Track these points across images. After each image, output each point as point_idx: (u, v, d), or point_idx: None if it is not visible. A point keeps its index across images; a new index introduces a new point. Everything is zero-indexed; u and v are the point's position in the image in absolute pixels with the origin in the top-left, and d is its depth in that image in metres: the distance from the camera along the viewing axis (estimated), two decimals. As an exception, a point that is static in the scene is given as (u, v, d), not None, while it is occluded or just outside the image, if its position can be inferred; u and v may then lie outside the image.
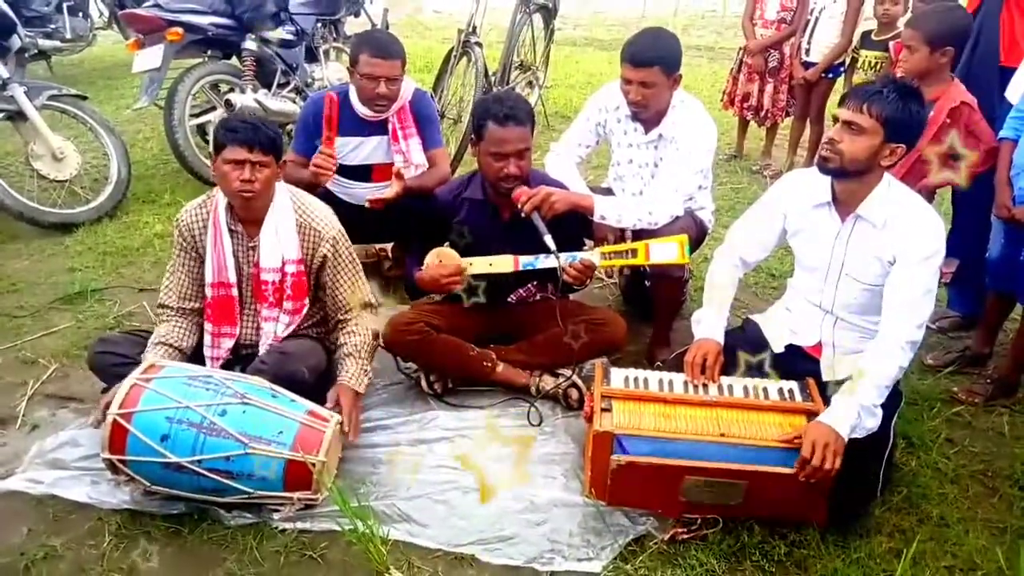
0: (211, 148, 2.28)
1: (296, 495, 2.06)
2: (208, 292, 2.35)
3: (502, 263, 2.47)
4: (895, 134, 1.97)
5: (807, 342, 2.31)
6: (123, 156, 4.05)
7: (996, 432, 2.54)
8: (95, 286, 3.31)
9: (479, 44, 4.72)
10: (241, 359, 2.41)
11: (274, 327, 2.38)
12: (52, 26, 6.19)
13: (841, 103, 2.04)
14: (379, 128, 2.99)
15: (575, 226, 2.62)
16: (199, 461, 1.99)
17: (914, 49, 2.63)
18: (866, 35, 4.37)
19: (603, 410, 2.10)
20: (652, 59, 2.54)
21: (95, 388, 2.40)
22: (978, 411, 2.63)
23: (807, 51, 4.57)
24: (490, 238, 2.54)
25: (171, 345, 2.29)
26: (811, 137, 4.80)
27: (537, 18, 5.58)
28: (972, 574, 1.98)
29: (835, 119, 2.04)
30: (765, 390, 2.19)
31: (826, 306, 2.24)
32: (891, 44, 4.10)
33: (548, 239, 2.39)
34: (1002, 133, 2.56)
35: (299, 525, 2.06)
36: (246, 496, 2.04)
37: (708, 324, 2.29)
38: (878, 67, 4.19)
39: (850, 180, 2.06)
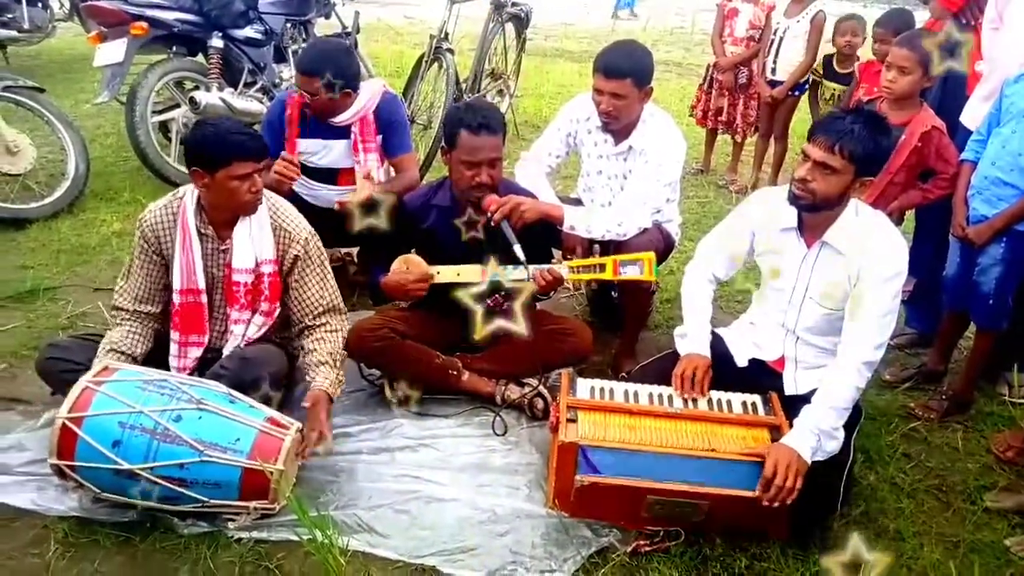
0: (186, 158, 2.19)
1: (252, 504, 2.01)
2: (176, 299, 2.28)
3: (469, 273, 2.45)
4: (866, 169, 2.00)
5: (770, 357, 2.34)
6: (81, 151, 3.93)
7: (951, 447, 2.60)
8: (48, 284, 3.20)
9: (451, 51, 4.71)
10: (203, 363, 2.34)
11: (244, 329, 2.32)
12: (9, 15, 5.99)
13: (810, 138, 2.04)
14: (344, 132, 2.95)
15: (544, 236, 2.61)
16: (152, 468, 1.92)
17: (908, 71, 2.65)
18: (828, 63, 4.47)
19: (568, 420, 2.09)
20: (624, 71, 2.55)
21: (44, 390, 2.31)
22: (934, 427, 2.68)
23: (772, 70, 4.66)
24: (458, 246, 2.52)
25: (122, 352, 2.22)
26: (775, 154, 4.89)
27: (509, 27, 5.59)
28: (926, 588, 2.01)
29: (804, 155, 2.05)
30: (729, 403, 2.20)
31: (788, 326, 2.27)
32: (856, 65, 4.20)
33: (517, 248, 2.38)
34: (963, 155, 2.64)
35: (256, 535, 2.01)
36: (200, 505, 1.98)
37: (693, 339, 2.29)
38: (838, 99, 4.32)
39: (820, 212, 2.09)
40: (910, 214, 3.08)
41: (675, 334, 2.37)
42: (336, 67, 2.79)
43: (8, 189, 3.83)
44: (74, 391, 1.96)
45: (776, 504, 1.93)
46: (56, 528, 2.00)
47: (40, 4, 6.37)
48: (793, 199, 2.08)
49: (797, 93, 4.69)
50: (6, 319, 2.96)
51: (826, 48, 4.62)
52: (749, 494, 1.96)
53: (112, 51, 4.01)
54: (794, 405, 2.13)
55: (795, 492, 1.92)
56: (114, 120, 5.22)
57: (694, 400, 2.19)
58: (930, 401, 2.77)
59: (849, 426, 2.08)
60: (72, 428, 1.92)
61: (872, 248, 2.05)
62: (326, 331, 2.37)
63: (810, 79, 4.64)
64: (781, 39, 4.59)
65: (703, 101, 5.01)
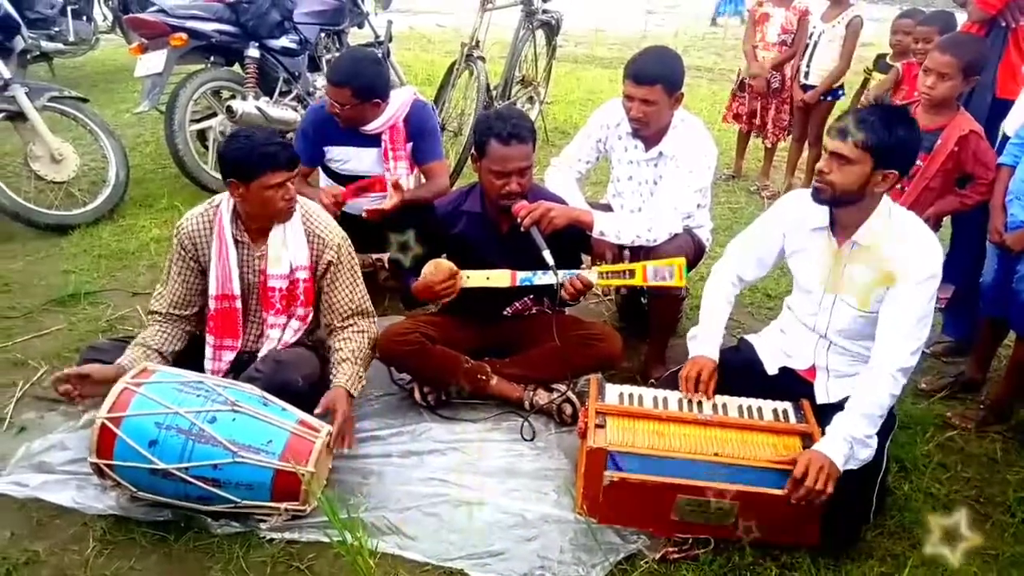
0: (222, 169, 2.25)
1: (284, 505, 2.04)
2: (211, 304, 2.34)
3: (499, 277, 2.46)
4: (884, 161, 1.96)
5: (800, 366, 2.30)
6: (122, 159, 4.05)
7: (988, 458, 2.54)
8: (89, 289, 3.29)
9: (482, 58, 4.74)
10: (238, 365, 2.39)
11: (280, 334, 2.37)
12: (55, 28, 6.20)
13: (829, 132, 2.03)
14: (374, 140, 2.99)
15: (573, 241, 2.62)
16: (186, 468, 1.97)
17: (949, 77, 2.61)
18: (880, 58, 4.40)
19: (597, 426, 2.09)
20: (655, 77, 2.55)
21: (85, 391, 2.38)
22: (971, 436, 2.62)
23: (806, 74, 4.61)
24: (488, 251, 2.53)
25: (150, 347, 2.27)
26: (809, 159, 4.83)
27: (540, 34, 5.61)
28: (964, 601, 1.97)
29: (825, 149, 2.04)
30: (759, 410, 2.18)
31: (820, 330, 2.24)
32: (899, 65, 4.11)
33: (547, 254, 2.39)
34: (1001, 159, 2.58)
35: (287, 535, 2.04)
36: (233, 505, 2.02)
37: (703, 341, 2.28)
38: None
39: (846, 207, 2.07)
40: (947, 220, 3.02)
41: (687, 335, 2.35)
42: (365, 78, 2.83)
43: (53, 196, 3.95)
44: (113, 392, 2.01)
45: (804, 503, 1.90)
46: (95, 526, 2.05)
47: (85, 17, 6.59)
48: (814, 193, 2.06)
49: (831, 98, 4.63)
50: (49, 322, 3.05)
51: (877, 48, 4.53)
52: (778, 492, 1.93)
53: (152, 62, 4.12)
54: (826, 413, 2.10)
55: (825, 494, 1.89)
56: (153, 129, 5.36)
57: (724, 406, 2.17)
58: (967, 410, 2.71)
59: (883, 433, 2.04)
60: (111, 428, 1.97)
61: (906, 250, 2.02)
62: (353, 331, 2.40)
63: (844, 85, 4.57)
64: (816, 43, 4.54)
65: (735, 105, 4.98)
